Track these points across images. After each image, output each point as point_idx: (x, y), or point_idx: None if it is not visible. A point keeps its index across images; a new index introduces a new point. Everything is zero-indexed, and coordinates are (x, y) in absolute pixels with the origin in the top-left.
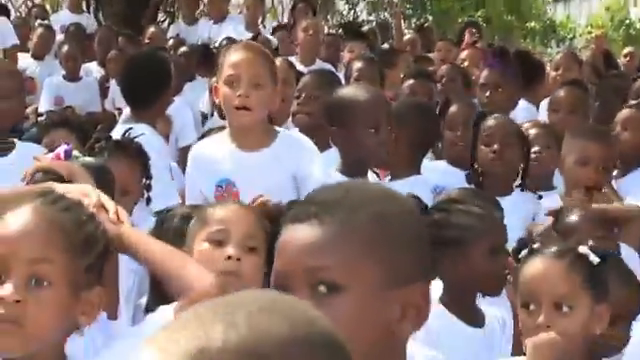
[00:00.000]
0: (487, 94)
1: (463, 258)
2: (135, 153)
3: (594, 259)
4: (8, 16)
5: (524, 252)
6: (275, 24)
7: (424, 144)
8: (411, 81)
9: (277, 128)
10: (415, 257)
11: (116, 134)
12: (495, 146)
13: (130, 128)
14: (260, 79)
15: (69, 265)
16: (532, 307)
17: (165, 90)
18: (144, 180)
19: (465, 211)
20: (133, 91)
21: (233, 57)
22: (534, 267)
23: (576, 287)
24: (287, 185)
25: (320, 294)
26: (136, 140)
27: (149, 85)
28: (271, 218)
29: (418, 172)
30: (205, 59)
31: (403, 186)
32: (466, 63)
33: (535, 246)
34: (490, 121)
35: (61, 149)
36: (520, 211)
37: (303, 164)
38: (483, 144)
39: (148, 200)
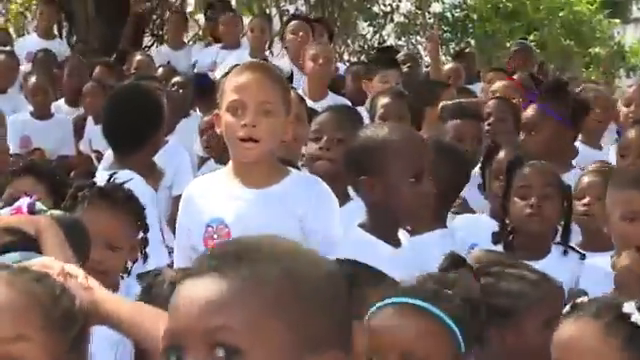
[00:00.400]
0: (522, 137)
1: (513, 330)
2: (125, 201)
3: (638, 319)
4: None
5: (567, 308)
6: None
7: (451, 193)
8: (456, 121)
9: (289, 167)
10: (330, 322)
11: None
12: (532, 199)
13: (114, 173)
14: (270, 105)
15: (48, 344)
16: None
17: (156, 130)
18: (139, 234)
19: (517, 276)
20: (117, 131)
21: (237, 79)
22: (567, 327)
23: (613, 353)
24: (287, 232)
25: (218, 358)
26: (125, 186)
27: (137, 124)
28: None
29: (443, 225)
30: (202, 91)
31: (426, 241)
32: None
33: (578, 301)
34: (526, 169)
35: (23, 202)
36: (559, 276)
37: (316, 214)
38: (518, 196)
39: (145, 257)
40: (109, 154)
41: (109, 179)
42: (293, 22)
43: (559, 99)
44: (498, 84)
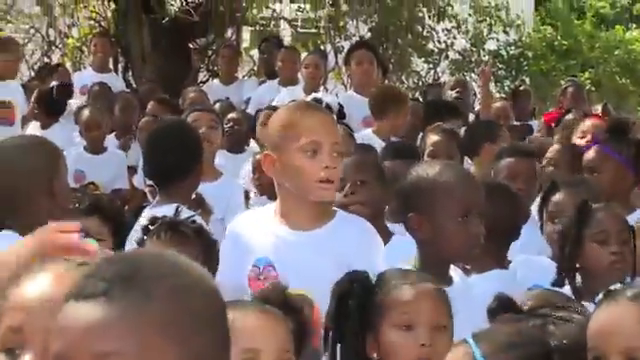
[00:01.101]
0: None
1: None
2: (195, 236)
3: None
4: None
5: (600, 295)
6: (339, 86)
7: (508, 233)
8: (510, 160)
9: (335, 207)
10: (217, 335)
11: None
12: (614, 247)
13: (178, 206)
14: (339, 146)
15: None
16: None
17: (195, 163)
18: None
19: (567, 319)
20: (158, 166)
21: (311, 120)
22: (603, 313)
23: None
24: (335, 276)
25: None
26: (196, 220)
27: (176, 158)
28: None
29: (501, 265)
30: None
31: (482, 282)
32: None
33: (612, 288)
34: (600, 214)
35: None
36: None
37: (363, 256)
38: (596, 242)
39: None
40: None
41: (175, 213)
42: (360, 51)
43: (621, 140)
44: (588, 123)
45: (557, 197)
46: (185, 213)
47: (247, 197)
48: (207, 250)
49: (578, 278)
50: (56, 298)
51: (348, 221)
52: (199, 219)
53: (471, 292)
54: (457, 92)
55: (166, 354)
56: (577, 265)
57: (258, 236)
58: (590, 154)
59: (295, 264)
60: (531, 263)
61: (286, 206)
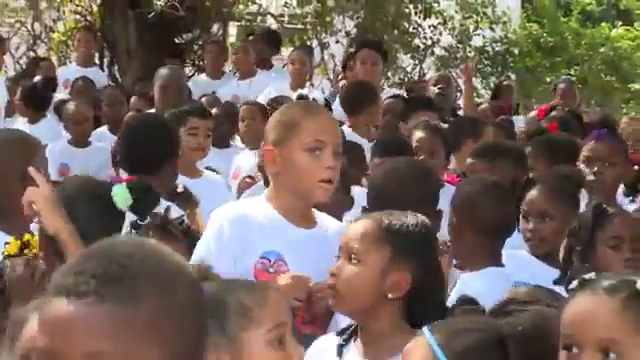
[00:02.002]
0: (594, 170)
1: None
2: (185, 238)
3: None
4: None
5: (574, 283)
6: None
7: (503, 231)
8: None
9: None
10: (198, 330)
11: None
12: (627, 254)
13: (168, 207)
14: (340, 147)
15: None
16: (574, 350)
17: (171, 156)
18: None
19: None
20: (133, 159)
21: (317, 120)
22: (579, 303)
23: (629, 330)
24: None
25: None
26: (184, 221)
27: (151, 151)
28: None
29: (496, 263)
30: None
31: (474, 279)
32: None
33: (587, 277)
34: (616, 219)
35: None
36: None
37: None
38: (609, 246)
39: None
40: None
41: (165, 212)
42: (366, 50)
43: (615, 134)
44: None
45: (531, 193)
46: (174, 213)
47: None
48: (193, 250)
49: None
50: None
51: (333, 222)
52: (186, 219)
53: (462, 289)
54: (439, 88)
55: (152, 353)
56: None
57: (262, 228)
58: (602, 145)
59: (306, 260)
60: (515, 257)
61: (283, 201)
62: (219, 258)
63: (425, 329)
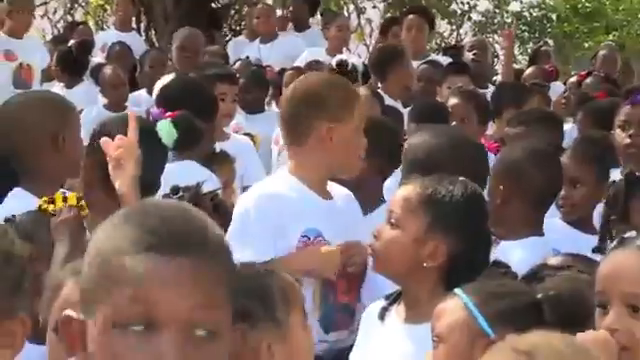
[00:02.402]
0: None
1: None
2: (216, 213)
3: None
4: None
5: (614, 243)
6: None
7: (544, 199)
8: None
9: None
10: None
11: (166, 175)
12: None
13: (199, 182)
14: None
15: None
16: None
17: (209, 120)
18: None
19: (554, 275)
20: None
21: (362, 100)
22: (610, 259)
23: None
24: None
25: (191, 340)
26: (218, 195)
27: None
28: None
29: (538, 233)
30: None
31: (515, 248)
32: None
33: (626, 235)
34: None
35: None
36: None
37: (362, 227)
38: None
39: None
40: None
41: (197, 186)
42: (411, 17)
43: None
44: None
45: (561, 161)
46: (202, 176)
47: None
48: (225, 225)
49: None
50: None
51: (344, 193)
52: (220, 193)
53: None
54: (474, 54)
55: (226, 306)
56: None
57: (297, 207)
58: (637, 109)
59: (341, 232)
60: (548, 225)
61: (312, 174)
62: (260, 243)
63: (459, 290)
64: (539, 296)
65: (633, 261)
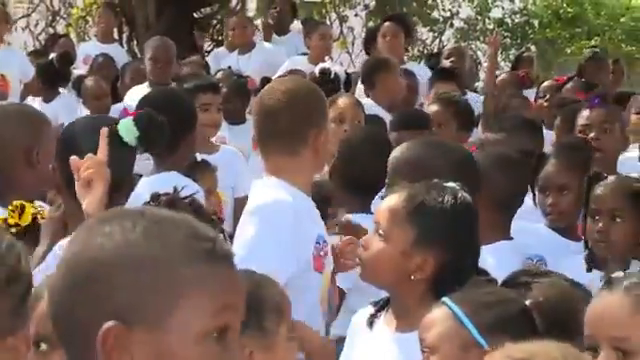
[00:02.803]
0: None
1: None
2: (196, 216)
3: None
4: None
5: (601, 283)
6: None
7: (511, 204)
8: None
9: None
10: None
11: (147, 186)
12: (600, 224)
13: (177, 186)
14: None
15: None
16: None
17: (189, 131)
18: None
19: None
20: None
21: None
22: (598, 302)
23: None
24: None
25: None
26: (196, 199)
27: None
28: None
29: (506, 237)
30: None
31: (486, 254)
32: None
33: (614, 275)
34: (599, 188)
35: None
36: None
37: None
38: (591, 216)
39: None
40: None
41: (174, 191)
42: (387, 24)
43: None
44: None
45: (547, 168)
46: (187, 190)
47: None
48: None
49: None
50: None
51: None
52: (200, 196)
53: None
54: (451, 61)
55: None
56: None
57: (308, 214)
58: (587, 113)
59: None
60: (528, 231)
61: (305, 180)
62: (282, 254)
63: (447, 300)
64: (527, 303)
65: (620, 304)
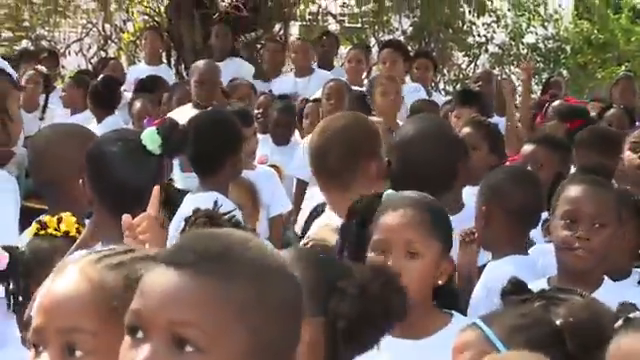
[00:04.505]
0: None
1: None
2: None
3: None
4: None
5: (619, 323)
6: None
7: (528, 219)
8: (532, 147)
9: None
10: (287, 328)
11: (189, 203)
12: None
13: (217, 201)
14: None
15: (106, 335)
16: None
17: (234, 153)
18: None
19: (568, 299)
20: (197, 155)
21: None
22: (623, 342)
23: None
24: None
25: (176, 350)
26: (235, 216)
27: (215, 148)
28: None
29: (521, 252)
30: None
31: (501, 266)
32: None
33: (631, 316)
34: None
35: None
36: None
37: None
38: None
39: None
40: None
41: (214, 206)
42: (385, 50)
43: None
44: None
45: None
46: (226, 206)
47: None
48: None
49: None
50: (76, 295)
51: None
52: (238, 214)
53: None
54: (479, 85)
55: (239, 338)
56: None
57: None
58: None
59: None
60: (550, 252)
61: (344, 207)
62: None
63: (480, 322)
64: (558, 323)
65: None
